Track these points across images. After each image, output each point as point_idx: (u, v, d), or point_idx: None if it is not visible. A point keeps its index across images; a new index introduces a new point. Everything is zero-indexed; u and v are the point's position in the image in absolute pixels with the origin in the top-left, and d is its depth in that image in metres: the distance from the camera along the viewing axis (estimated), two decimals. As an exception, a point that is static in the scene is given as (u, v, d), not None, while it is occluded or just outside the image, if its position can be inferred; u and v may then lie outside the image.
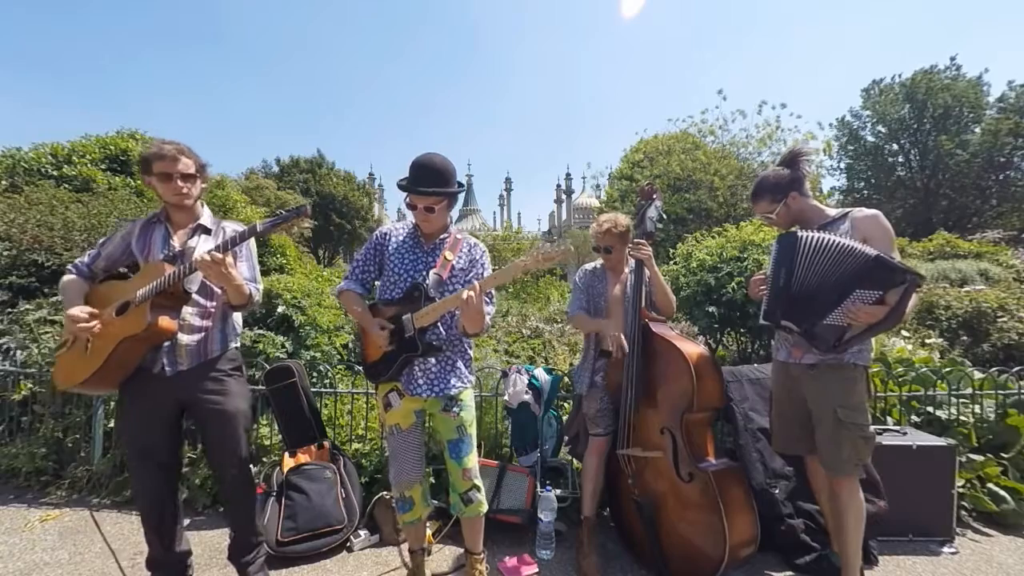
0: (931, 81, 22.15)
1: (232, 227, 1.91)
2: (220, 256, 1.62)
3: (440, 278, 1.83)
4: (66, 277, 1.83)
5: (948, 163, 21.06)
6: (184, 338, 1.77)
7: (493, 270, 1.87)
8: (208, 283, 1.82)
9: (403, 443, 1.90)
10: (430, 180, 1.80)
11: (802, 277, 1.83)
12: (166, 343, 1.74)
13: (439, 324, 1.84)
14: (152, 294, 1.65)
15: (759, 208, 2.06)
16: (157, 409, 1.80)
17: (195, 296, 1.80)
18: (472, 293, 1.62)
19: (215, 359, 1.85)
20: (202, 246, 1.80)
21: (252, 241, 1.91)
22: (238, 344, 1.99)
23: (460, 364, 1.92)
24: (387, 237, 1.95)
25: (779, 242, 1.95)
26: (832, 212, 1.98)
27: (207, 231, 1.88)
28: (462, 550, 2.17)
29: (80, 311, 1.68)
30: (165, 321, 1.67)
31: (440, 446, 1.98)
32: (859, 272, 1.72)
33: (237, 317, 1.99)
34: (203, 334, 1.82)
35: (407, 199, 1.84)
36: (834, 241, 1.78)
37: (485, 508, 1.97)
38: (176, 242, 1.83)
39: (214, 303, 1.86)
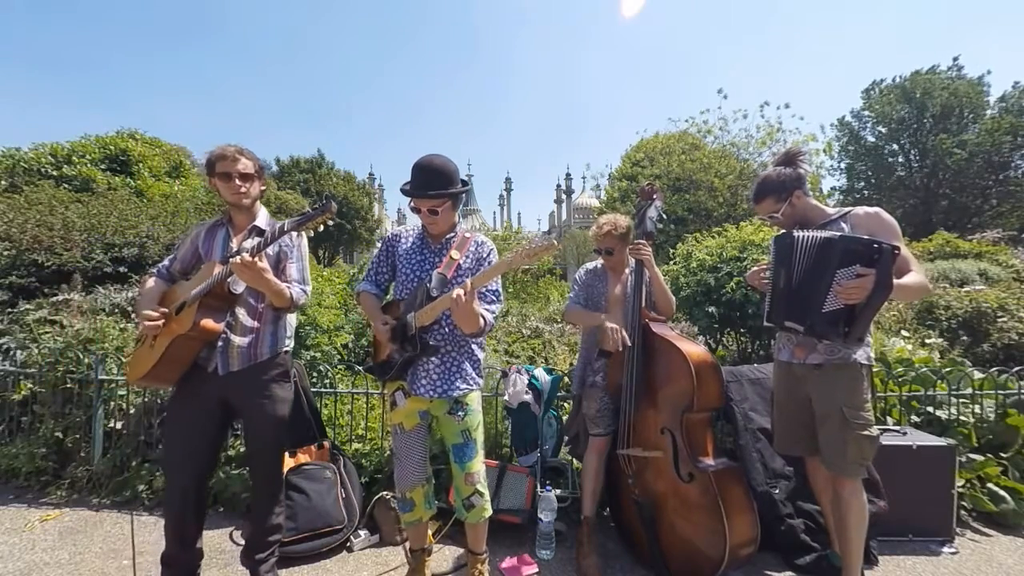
0: (930, 82, 22.18)
1: None
2: (250, 259, 1.65)
3: (444, 277, 1.83)
4: (148, 281, 1.95)
5: (948, 163, 21.09)
6: (236, 339, 1.82)
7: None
8: None
9: (406, 444, 1.90)
10: (431, 182, 1.81)
11: (799, 276, 1.85)
12: (219, 343, 1.80)
13: (444, 324, 1.84)
14: (201, 294, 1.72)
15: (763, 208, 2.04)
16: (204, 407, 1.85)
17: (245, 296, 1.85)
18: (462, 292, 1.60)
19: (264, 363, 1.89)
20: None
21: (304, 243, 1.99)
22: (289, 348, 2.01)
23: (467, 366, 1.90)
24: (397, 239, 2.00)
25: (776, 243, 1.95)
26: (832, 211, 1.98)
27: (261, 232, 1.91)
28: (462, 550, 2.17)
29: (152, 310, 1.76)
30: (208, 323, 1.74)
31: (444, 448, 1.98)
32: (835, 256, 1.75)
33: (291, 320, 2.03)
34: (254, 335, 1.86)
35: (411, 203, 1.86)
36: (822, 236, 1.81)
37: (489, 512, 1.96)
38: (234, 244, 1.87)
39: (264, 304, 1.89)
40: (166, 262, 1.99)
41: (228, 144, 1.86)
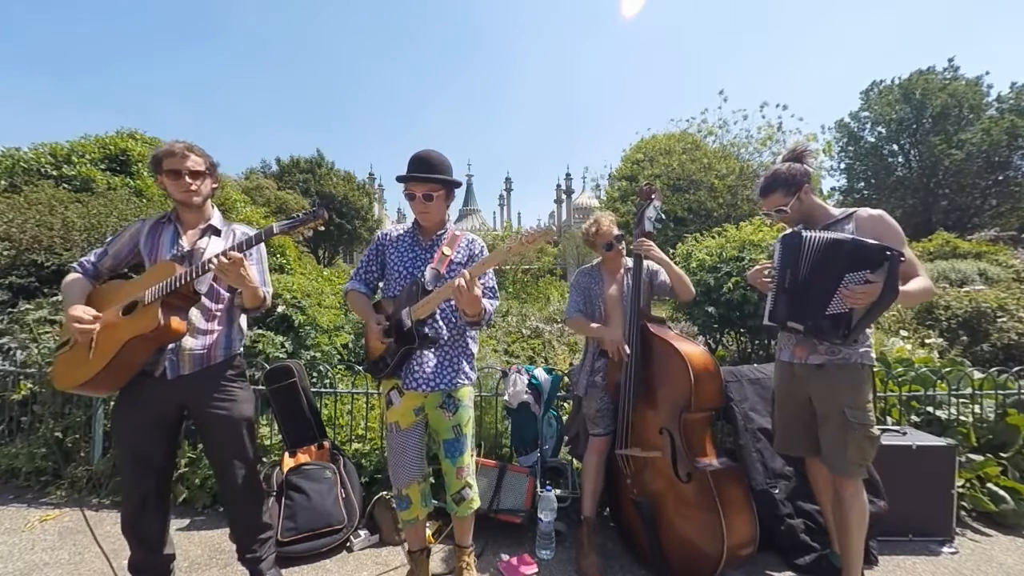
0: (929, 82, 22.23)
1: (242, 230, 1.93)
2: (238, 256, 1.62)
3: (437, 272, 1.86)
4: (69, 276, 1.81)
5: (947, 163, 21.09)
6: (188, 341, 1.76)
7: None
8: (215, 285, 1.83)
9: (402, 442, 1.91)
10: (428, 170, 1.85)
11: (805, 276, 1.85)
12: (170, 346, 1.73)
13: (438, 318, 1.87)
14: (162, 293, 1.63)
15: (771, 202, 2.02)
16: (156, 413, 1.78)
17: (202, 298, 1.80)
18: (463, 280, 1.64)
19: (218, 365, 1.84)
20: (212, 247, 1.80)
21: (262, 245, 1.92)
22: (242, 350, 1.98)
23: (463, 361, 1.94)
24: (387, 237, 2.01)
25: (783, 243, 1.94)
26: (836, 212, 1.98)
27: (217, 232, 1.88)
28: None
29: (83, 311, 1.65)
30: (176, 322, 1.64)
31: (436, 444, 1.99)
32: (844, 258, 1.76)
33: (243, 321, 1.99)
34: (207, 338, 1.81)
35: (406, 190, 1.87)
36: (830, 237, 1.81)
37: (477, 504, 2.00)
38: (185, 242, 1.82)
39: (220, 306, 1.85)
40: (92, 257, 1.84)
41: (176, 140, 1.80)
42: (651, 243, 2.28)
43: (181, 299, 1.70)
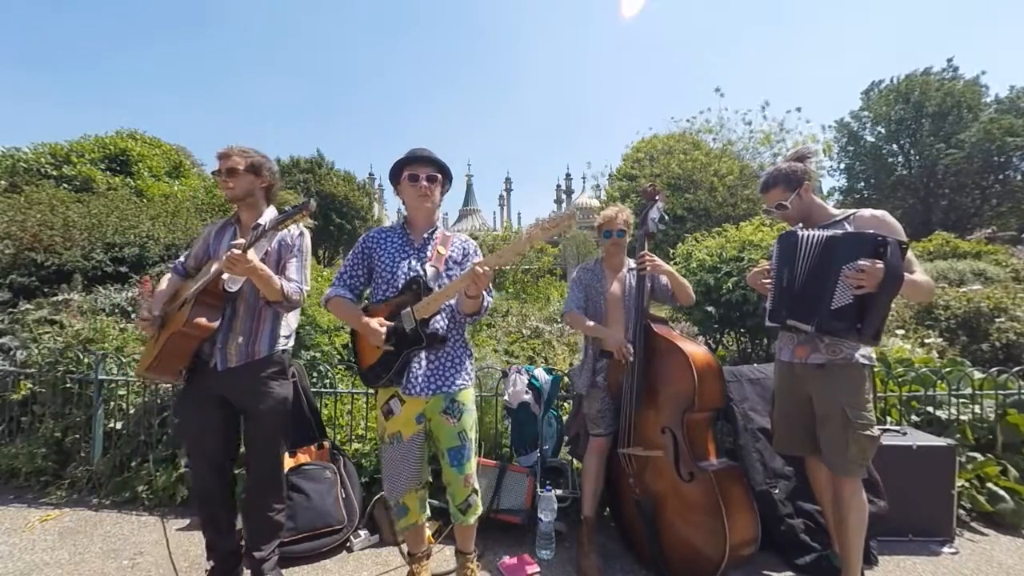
0: (927, 83, 22.28)
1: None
2: (238, 253, 1.66)
3: (437, 271, 1.84)
4: (165, 275, 2.05)
5: (946, 163, 21.11)
6: (235, 336, 1.86)
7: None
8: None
9: (403, 454, 1.83)
10: (432, 156, 1.90)
11: (804, 274, 1.86)
12: (219, 340, 1.84)
13: (442, 316, 1.83)
14: (197, 292, 1.78)
15: (772, 197, 2.04)
16: (208, 403, 1.89)
17: (245, 294, 1.88)
18: (484, 268, 1.63)
19: (261, 360, 1.90)
20: (258, 246, 1.83)
21: (306, 243, 2.01)
22: (288, 347, 2.02)
23: (465, 359, 1.91)
24: (373, 240, 1.93)
25: (780, 242, 1.97)
26: (836, 212, 1.99)
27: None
28: (463, 550, 2.17)
29: (147, 311, 1.89)
30: (201, 321, 1.78)
31: (439, 452, 1.90)
32: (841, 252, 1.77)
33: (290, 319, 2.04)
34: (252, 333, 1.90)
35: (410, 170, 1.86)
36: (827, 235, 1.84)
37: (481, 510, 1.97)
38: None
39: (263, 302, 1.91)
40: (182, 258, 2.06)
41: (232, 144, 1.94)
42: (654, 258, 2.28)
43: (212, 297, 1.82)
